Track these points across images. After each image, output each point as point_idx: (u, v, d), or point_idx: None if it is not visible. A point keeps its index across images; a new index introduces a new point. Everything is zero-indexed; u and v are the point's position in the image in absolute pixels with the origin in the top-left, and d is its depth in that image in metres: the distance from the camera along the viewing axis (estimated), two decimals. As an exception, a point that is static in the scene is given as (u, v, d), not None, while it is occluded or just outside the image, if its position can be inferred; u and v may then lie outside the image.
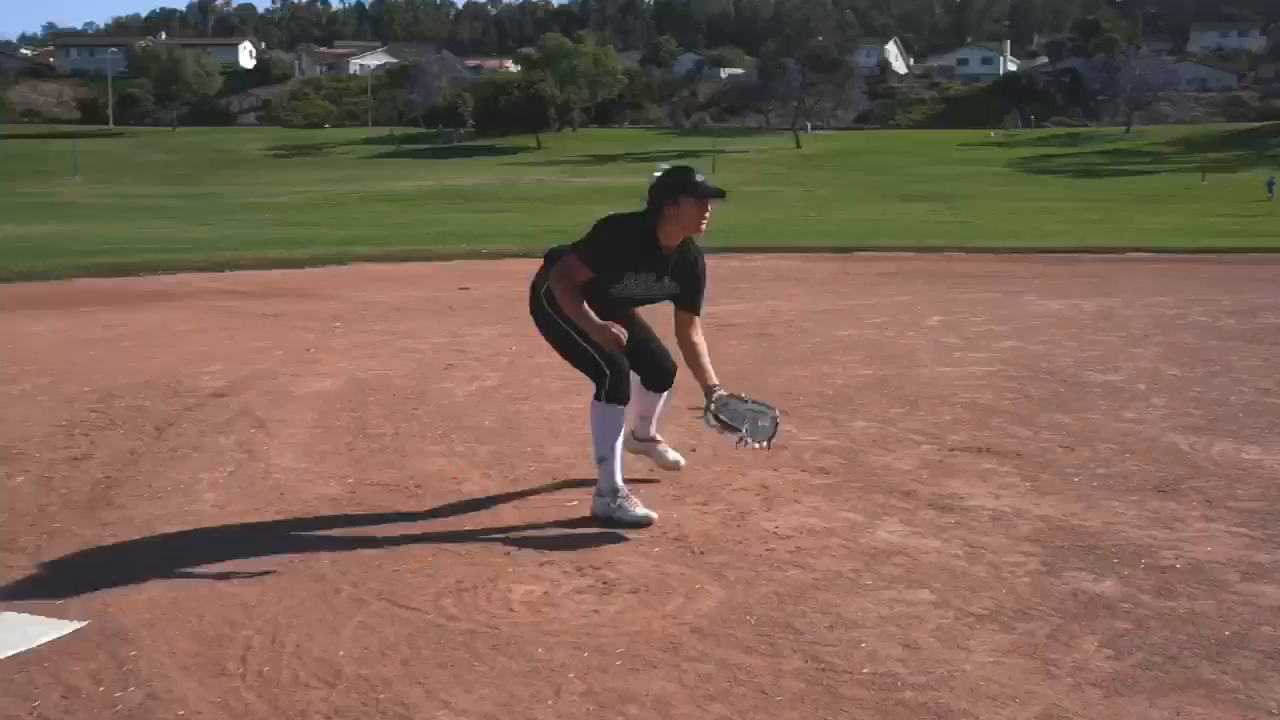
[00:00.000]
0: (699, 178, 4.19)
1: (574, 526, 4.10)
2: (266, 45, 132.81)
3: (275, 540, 3.95)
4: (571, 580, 3.51)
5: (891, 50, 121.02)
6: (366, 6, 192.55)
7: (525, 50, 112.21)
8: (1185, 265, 17.32)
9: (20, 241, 22.46)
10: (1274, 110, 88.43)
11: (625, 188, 59.86)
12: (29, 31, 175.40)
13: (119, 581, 3.52)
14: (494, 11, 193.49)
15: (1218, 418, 5.97)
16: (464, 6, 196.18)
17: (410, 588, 3.45)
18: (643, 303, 4.39)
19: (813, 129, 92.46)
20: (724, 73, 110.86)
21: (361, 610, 3.26)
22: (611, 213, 4.35)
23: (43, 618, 3.23)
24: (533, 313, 4.45)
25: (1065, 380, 7.22)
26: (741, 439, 4.06)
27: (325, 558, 3.73)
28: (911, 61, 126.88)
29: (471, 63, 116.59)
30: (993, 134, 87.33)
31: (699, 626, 3.11)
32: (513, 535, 3.99)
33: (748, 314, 10.97)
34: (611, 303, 4.23)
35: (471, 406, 6.40)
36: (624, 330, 4.11)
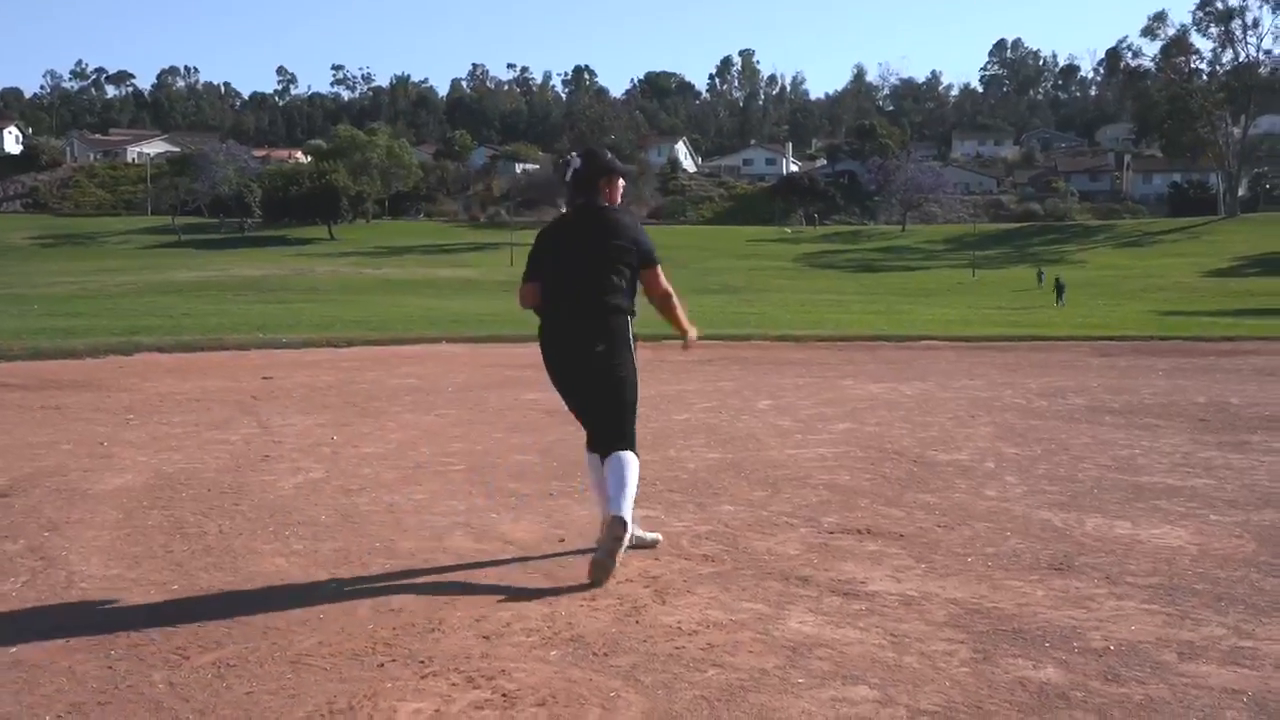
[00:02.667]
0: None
1: (449, 630, 3.59)
2: (34, 131, 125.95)
3: (91, 663, 3.28)
4: (464, 694, 3.00)
5: (681, 149, 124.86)
6: (145, 94, 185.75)
7: (316, 141, 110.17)
8: (979, 352, 18.01)
9: None
10: (1031, 212, 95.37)
11: (422, 280, 59.11)
12: None
13: None
14: (281, 103, 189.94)
15: (1075, 494, 5.95)
16: (249, 97, 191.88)
17: (270, 713, 2.87)
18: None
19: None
20: (518, 168, 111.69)
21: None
22: (627, 215, 4.56)
23: None
24: (601, 355, 4.34)
25: (915, 460, 7.14)
26: None
27: (159, 680, 3.10)
28: (700, 160, 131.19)
29: (259, 153, 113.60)
30: (788, 230, 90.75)
31: (628, 745, 2.67)
32: (380, 643, 3.45)
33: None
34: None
35: (301, 500, 5.77)
36: None
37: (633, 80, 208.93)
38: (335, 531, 5.04)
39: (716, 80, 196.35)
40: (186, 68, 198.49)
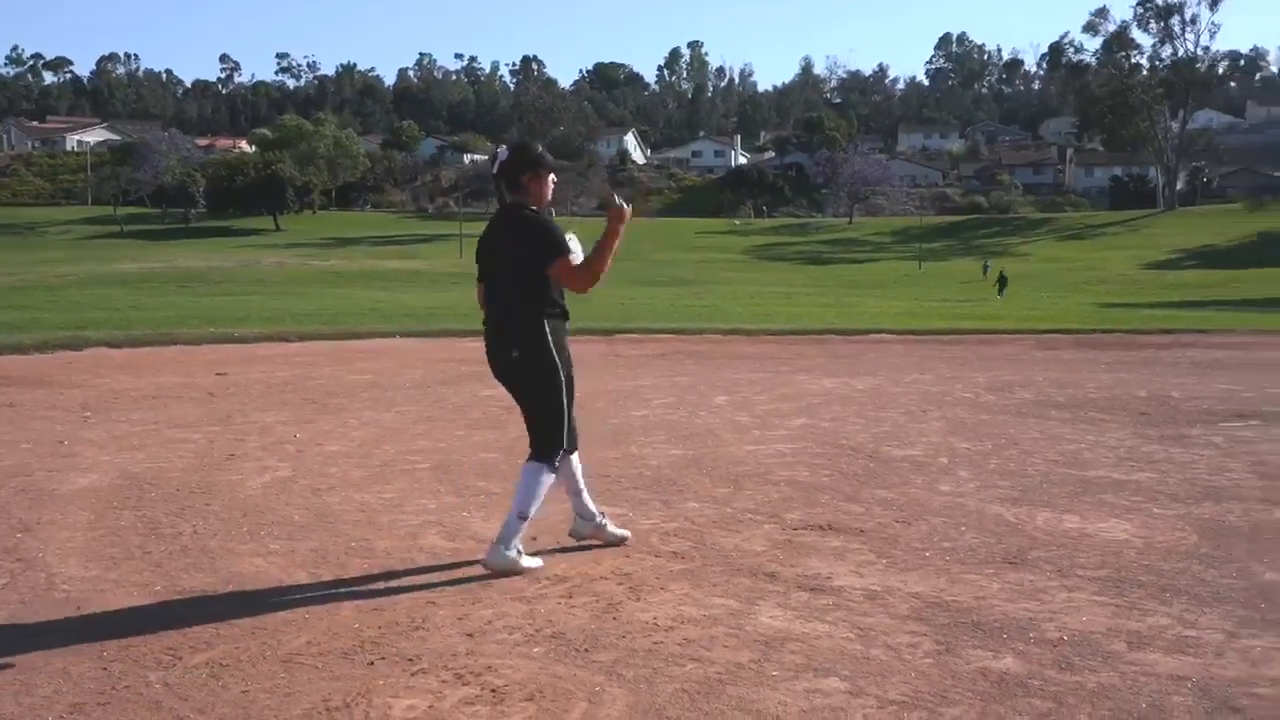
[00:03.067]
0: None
1: (432, 628, 3.71)
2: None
3: (86, 664, 3.36)
4: (455, 690, 3.13)
5: (630, 140, 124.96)
6: (84, 81, 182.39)
7: (261, 131, 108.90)
8: (927, 346, 18.32)
9: None
10: (976, 205, 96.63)
11: (370, 271, 58.71)
12: None
13: None
14: (225, 91, 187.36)
15: (1026, 489, 6.17)
16: (192, 85, 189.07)
17: (269, 711, 2.98)
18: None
19: (556, 215, 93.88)
20: (467, 158, 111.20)
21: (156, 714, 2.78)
22: (534, 213, 4.49)
23: None
24: (517, 360, 4.35)
25: (870, 455, 7.34)
26: None
27: (155, 680, 3.19)
28: (649, 152, 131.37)
29: (203, 142, 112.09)
30: (737, 222, 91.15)
31: (612, 741, 2.81)
32: (368, 641, 3.56)
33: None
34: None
35: (272, 499, 5.84)
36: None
37: (581, 71, 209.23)
38: (310, 531, 5.13)
39: (665, 72, 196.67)
40: (127, 54, 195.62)
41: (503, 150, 4.56)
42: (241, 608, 3.91)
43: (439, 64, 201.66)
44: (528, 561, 4.37)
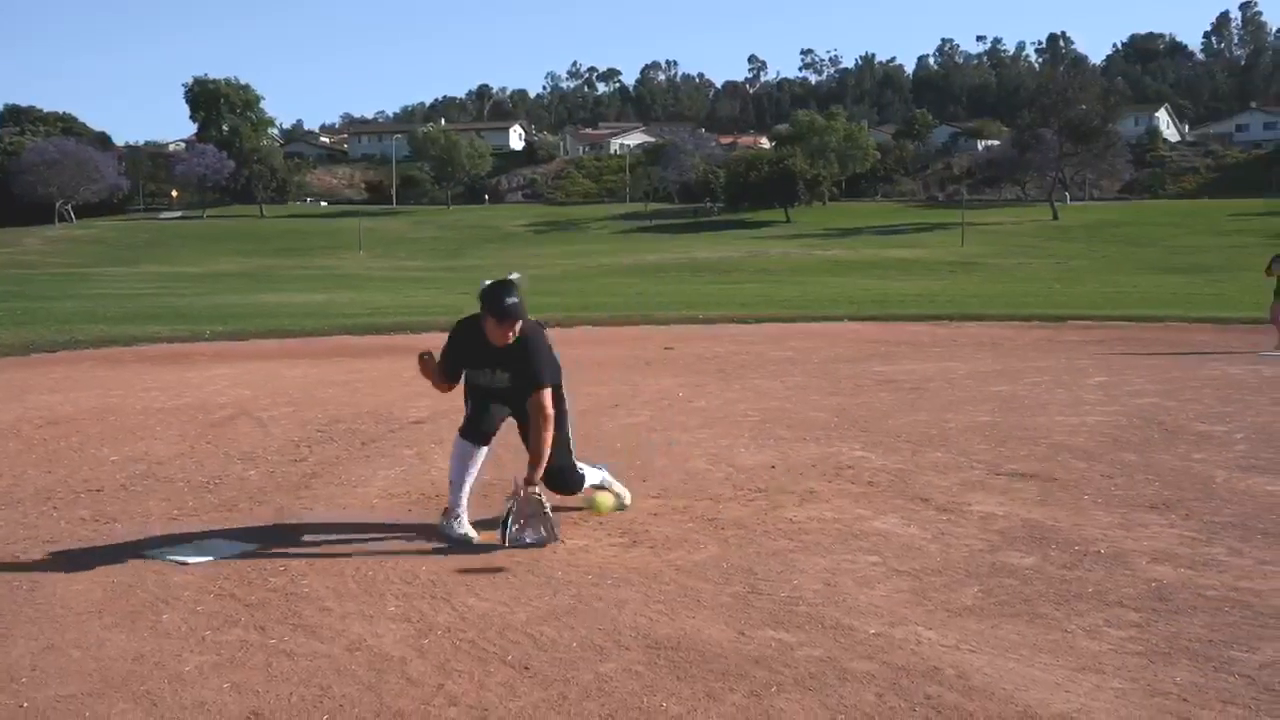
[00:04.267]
0: (508, 300, 4.68)
1: (633, 508, 5.19)
2: (536, 128, 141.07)
3: (413, 509, 5.27)
4: (611, 538, 4.63)
5: (1162, 117, 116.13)
6: (630, 89, 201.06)
7: (779, 127, 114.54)
8: None
9: (301, 307, 25.61)
10: None
11: (868, 260, 60.42)
12: (328, 121, 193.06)
13: (296, 528, 4.91)
14: (752, 90, 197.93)
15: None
16: (722, 86, 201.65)
17: (490, 537, 4.66)
18: (499, 395, 4.88)
19: (1072, 200, 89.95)
20: (980, 145, 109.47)
21: (449, 547, 4.49)
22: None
23: (236, 543, 4.63)
24: None
25: (1168, 429, 7.72)
26: (502, 529, 4.53)
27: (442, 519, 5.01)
28: (1186, 128, 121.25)
29: (726, 140, 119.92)
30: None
31: (682, 566, 4.17)
32: (584, 512, 5.14)
33: (916, 373, 11.75)
34: (480, 394, 4.88)
35: (613, 432, 7.60)
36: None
37: (1115, 45, 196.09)
38: (621, 453, 6.79)
39: (1213, 39, 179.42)
40: (667, 61, 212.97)
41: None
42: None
43: (960, 48, 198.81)
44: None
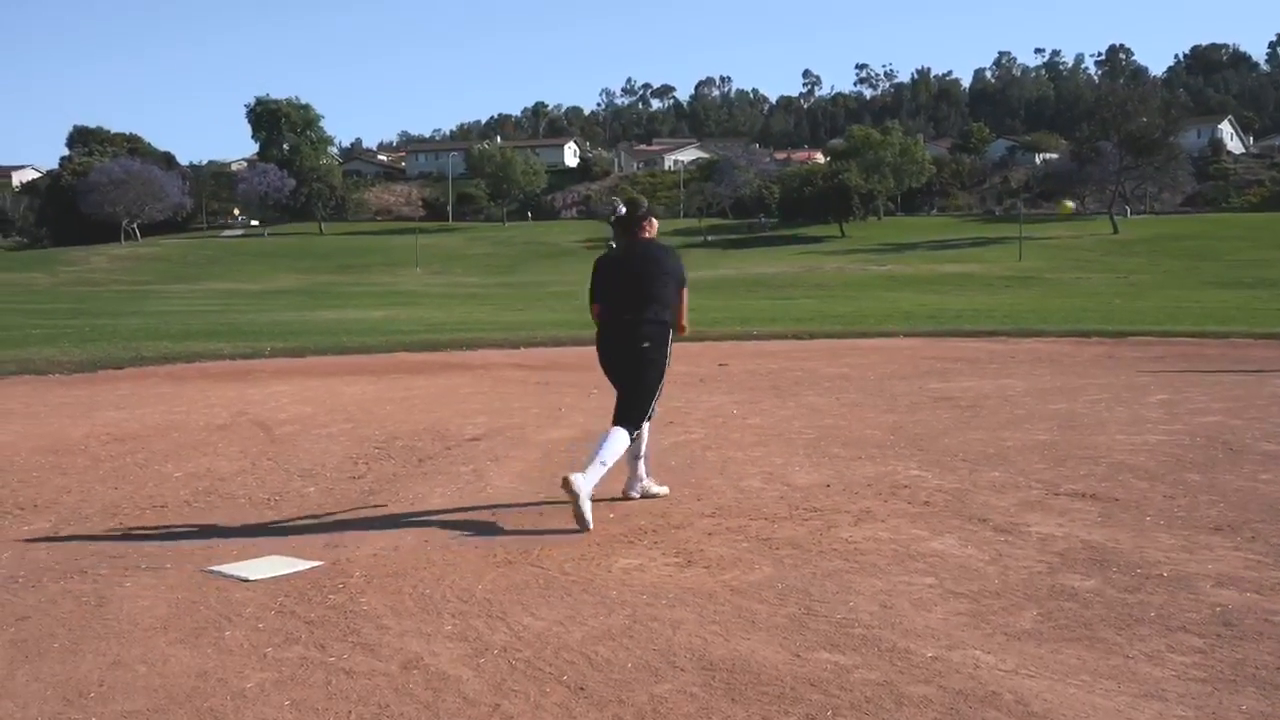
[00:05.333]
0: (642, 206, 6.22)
1: (687, 524, 5.20)
2: (590, 144, 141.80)
3: (471, 527, 5.31)
4: (666, 558, 4.64)
5: (1225, 129, 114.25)
6: (684, 105, 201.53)
7: (834, 141, 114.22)
8: None
9: (359, 323, 25.93)
10: None
11: (923, 275, 59.98)
12: (385, 140, 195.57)
13: (352, 544, 4.97)
14: (806, 105, 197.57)
15: (1350, 481, 6.28)
16: (776, 101, 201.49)
17: (548, 554, 4.69)
18: (634, 295, 5.88)
19: (1133, 213, 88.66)
20: (1038, 158, 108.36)
21: (505, 566, 4.53)
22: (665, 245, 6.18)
23: (298, 559, 4.70)
24: (647, 350, 5.75)
25: (1233, 449, 7.58)
26: None
27: (498, 537, 5.05)
28: (1251, 140, 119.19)
29: (780, 155, 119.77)
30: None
31: (736, 587, 4.16)
32: (637, 530, 5.15)
33: (972, 390, 11.65)
34: (618, 292, 5.98)
35: (668, 450, 7.60)
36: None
37: (1176, 56, 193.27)
38: (673, 472, 6.80)
39: (1277, 49, 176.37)
40: (721, 77, 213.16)
41: (619, 206, 6.15)
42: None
43: (1018, 61, 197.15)
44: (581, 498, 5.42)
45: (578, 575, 4.38)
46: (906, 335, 21.00)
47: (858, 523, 5.28)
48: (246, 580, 4.37)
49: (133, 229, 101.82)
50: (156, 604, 4.06)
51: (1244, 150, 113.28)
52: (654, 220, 6.10)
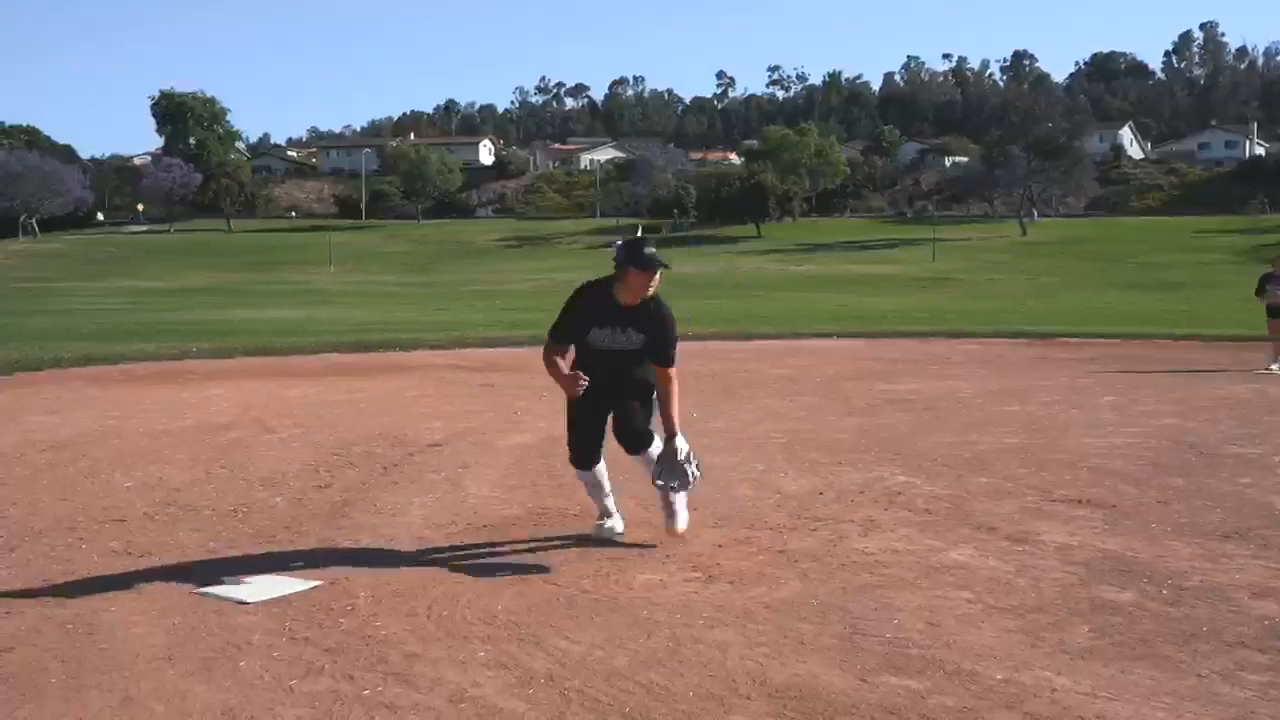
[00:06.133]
0: (647, 250, 4.79)
1: (695, 538, 5.01)
2: (505, 143, 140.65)
3: (463, 540, 5.06)
4: (684, 573, 4.44)
5: (1125, 135, 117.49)
6: (598, 104, 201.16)
7: (749, 143, 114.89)
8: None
9: (281, 323, 25.24)
10: None
11: (841, 275, 60.59)
12: (295, 135, 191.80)
13: (344, 561, 4.69)
14: (720, 106, 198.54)
15: (1331, 484, 6.34)
16: (690, 102, 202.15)
17: (560, 571, 4.46)
18: (619, 355, 4.94)
19: (1040, 216, 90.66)
20: (948, 161, 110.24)
21: (520, 583, 4.30)
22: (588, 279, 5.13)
23: (294, 579, 4.41)
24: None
25: (1202, 452, 7.63)
26: (658, 479, 4.90)
27: (500, 552, 4.80)
28: (1149, 146, 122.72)
29: (696, 155, 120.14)
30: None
31: (771, 604, 3.99)
32: (648, 543, 4.95)
33: (922, 391, 11.64)
34: (593, 358, 4.96)
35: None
36: (587, 382, 4.86)
37: (1077, 63, 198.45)
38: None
39: (1173, 58, 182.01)
40: (635, 77, 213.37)
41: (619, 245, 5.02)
42: (575, 521, 5.46)
43: (926, 66, 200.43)
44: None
45: (599, 593, 4.16)
46: (840, 336, 21.09)
47: (867, 533, 5.14)
48: (244, 603, 4.06)
49: (31, 224, 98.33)
50: (153, 631, 3.75)
51: (1143, 156, 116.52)
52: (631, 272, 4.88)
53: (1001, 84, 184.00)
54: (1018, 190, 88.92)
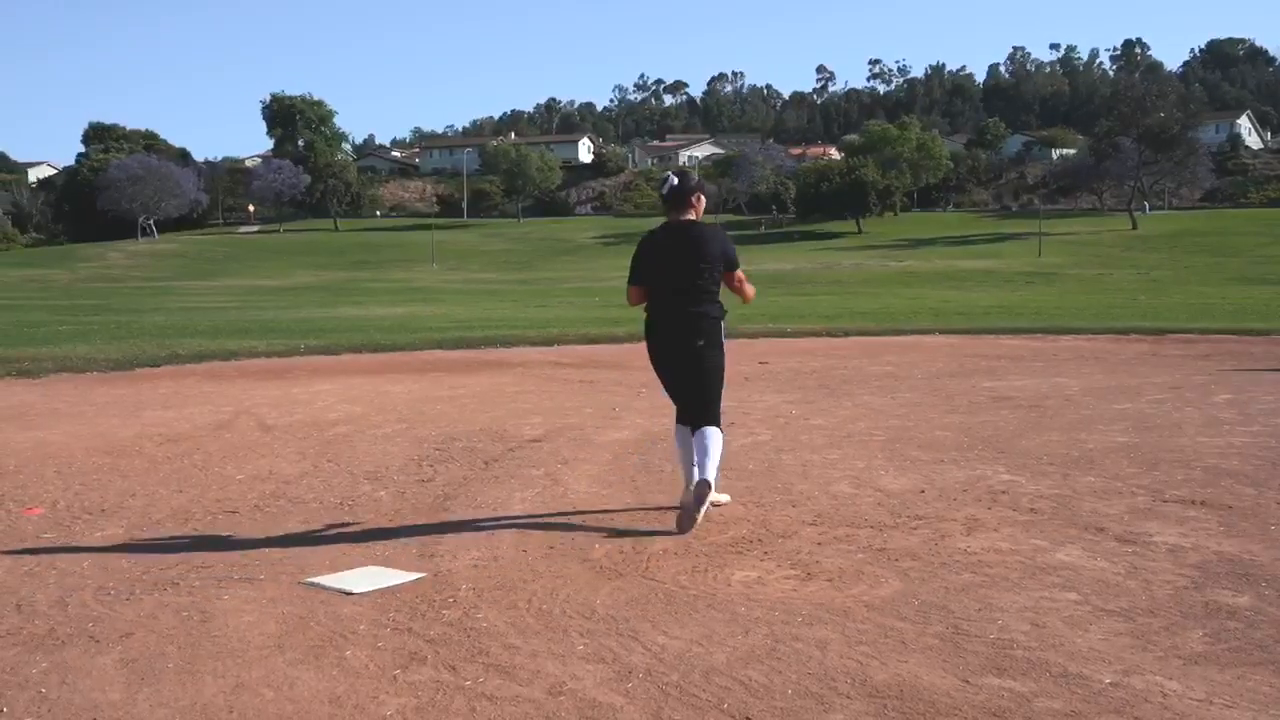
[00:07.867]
0: (691, 180, 5.76)
1: (793, 534, 4.98)
2: (604, 140, 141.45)
3: (562, 535, 5.10)
4: (783, 570, 4.42)
5: (1244, 124, 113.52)
6: (696, 101, 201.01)
7: (849, 137, 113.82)
8: None
9: (385, 320, 25.76)
10: None
11: (942, 271, 59.60)
12: (399, 136, 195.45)
13: (446, 553, 4.77)
14: (819, 101, 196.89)
15: None
16: (789, 97, 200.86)
17: (658, 566, 4.47)
18: (683, 278, 5.52)
19: (1151, 209, 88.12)
20: (1055, 153, 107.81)
21: (618, 578, 4.32)
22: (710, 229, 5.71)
23: (398, 570, 4.50)
24: (702, 349, 5.49)
25: (1332, 452, 7.33)
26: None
27: (599, 546, 4.84)
28: (1269, 135, 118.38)
29: (795, 151, 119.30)
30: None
31: (871, 604, 3.95)
32: (742, 539, 4.93)
33: (1028, 389, 11.39)
34: (665, 277, 5.59)
35: (741, 455, 7.38)
36: None
37: (1192, 50, 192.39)
38: (755, 476, 6.59)
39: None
40: (734, 73, 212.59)
41: (671, 177, 5.66)
42: (672, 517, 5.47)
43: (1033, 56, 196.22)
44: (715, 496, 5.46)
45: (697, 589, 4.16)
46: (942, 333, 20.75)
47: (970, 532, 5.06)
48: (350, 594, 4.16)
49: (149, 225, 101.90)
50: (263, 620, 3.86)
51: (1262, 146, 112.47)
52: (703, 196, 5.76)
53: (1111, 74, 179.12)
54: (1128, 183, 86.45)
